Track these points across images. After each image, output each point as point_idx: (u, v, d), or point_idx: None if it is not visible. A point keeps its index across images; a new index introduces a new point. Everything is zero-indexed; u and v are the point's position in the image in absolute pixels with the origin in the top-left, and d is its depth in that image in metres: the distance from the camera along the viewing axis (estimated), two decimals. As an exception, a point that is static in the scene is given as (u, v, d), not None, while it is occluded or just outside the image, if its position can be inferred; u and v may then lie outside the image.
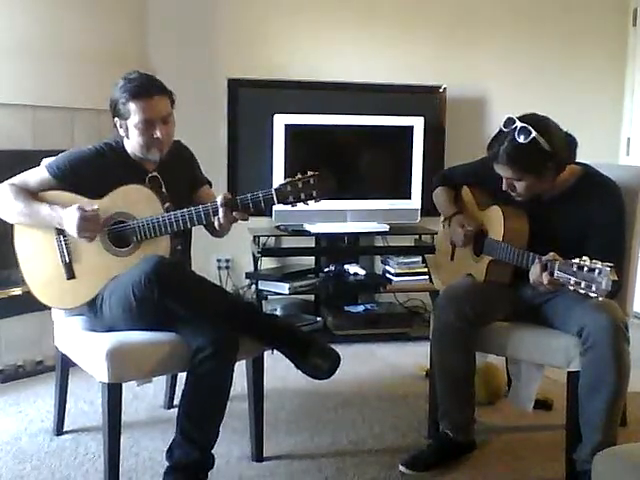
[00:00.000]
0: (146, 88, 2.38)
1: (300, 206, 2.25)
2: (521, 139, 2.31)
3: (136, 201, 2.37)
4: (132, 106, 2.37)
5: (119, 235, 2.37)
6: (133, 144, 2.43)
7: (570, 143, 2.45)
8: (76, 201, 2.37)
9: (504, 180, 2.43)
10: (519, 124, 2.33)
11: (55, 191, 2.41)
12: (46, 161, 2.50)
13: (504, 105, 4.19)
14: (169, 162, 2.50)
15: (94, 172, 2.42)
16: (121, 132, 2.44)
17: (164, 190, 2.48)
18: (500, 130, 2.39)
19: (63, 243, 2.40)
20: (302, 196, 2.23)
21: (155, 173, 2.50)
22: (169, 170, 2.51)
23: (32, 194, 2.40)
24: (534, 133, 2.31)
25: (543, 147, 2.32)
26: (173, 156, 2.51)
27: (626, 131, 4.61)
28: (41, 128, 3.33)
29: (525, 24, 4.44)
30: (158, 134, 2.39)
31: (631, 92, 4.56)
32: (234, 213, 2.27)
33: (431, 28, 4.36)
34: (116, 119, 2.43)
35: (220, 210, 2.27)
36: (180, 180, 2.56)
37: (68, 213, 2.32)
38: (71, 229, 2.33)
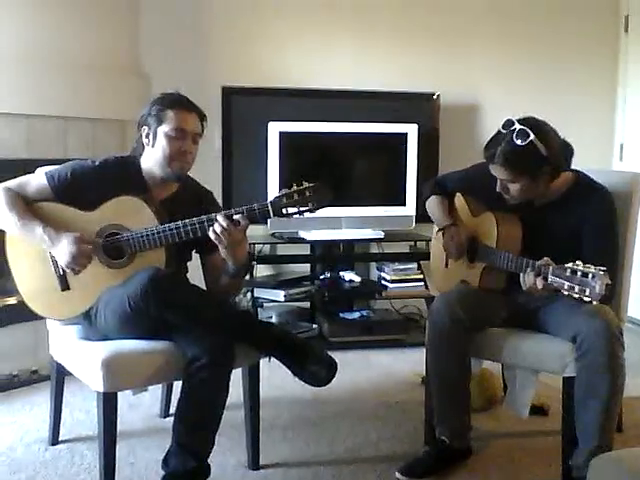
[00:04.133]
0: (187, 103, 2.42)
1: (296, 216, 2.25)
2: (519, 141, 2.32)
3: (129, 213, 2.34)
4: (169, 113, 2.36)
5: (113, 247, 2.34)
6: (156, 154, 2.38)
7: (567, 151, 2.46)
8: (71, 216, 2.35)
9: (498, 181, 2.44)
10: (518, 126, 2.33)
11: (50, 203, 2.38)
12: (45, 169, 2.46)
13: (497, 112, 4.17)
14: (181, 196, 2.45)
15: (94, 187, 2.38)
16: (145, 142, 2.40)
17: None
18: (498, 131, 2.39)
19: (57, 255, 2.38)
20: (298, 208, 2.22)
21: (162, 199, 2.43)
22: (178, 203, 2.43)
23: (28, 203, 2.37)
24: (532, 136, 2.31)
25: (540, 151, 2.33)
26: (187, 192, 2.46)
27: (619, 137, 4.62)
28: (35, 137, 3.32)
29: (518, 31, 4.46)
30: (186, 147, 2.37)
31: (624, 98, 4.58)
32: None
33: (424, 36, 4.38)
34: (144, 127, 2.40)
35: (215, 223, 2.23)
36: (187, 217, 2.32)
37: (61, 245, 2.28)
38: (60, 259, 2.31)
